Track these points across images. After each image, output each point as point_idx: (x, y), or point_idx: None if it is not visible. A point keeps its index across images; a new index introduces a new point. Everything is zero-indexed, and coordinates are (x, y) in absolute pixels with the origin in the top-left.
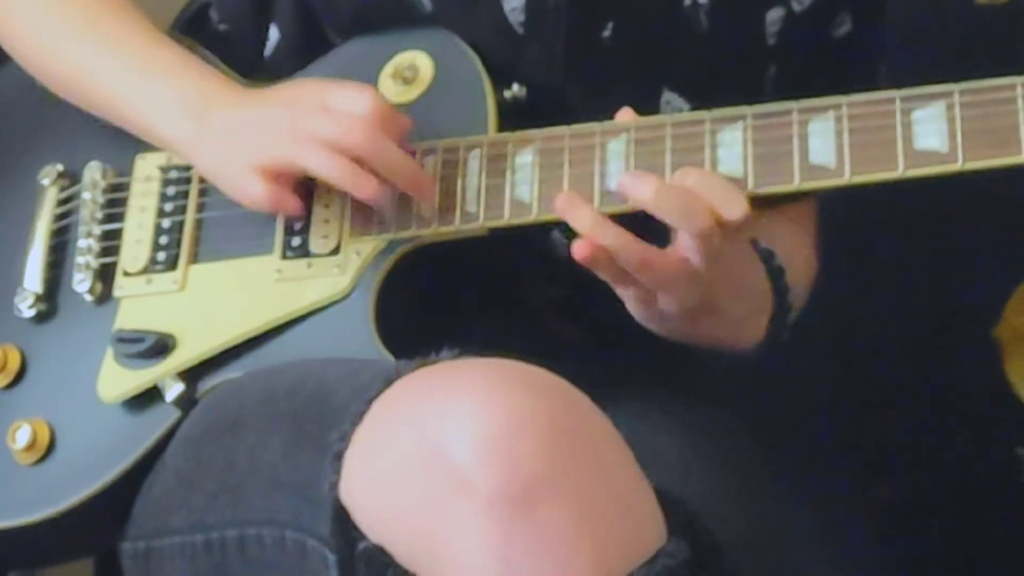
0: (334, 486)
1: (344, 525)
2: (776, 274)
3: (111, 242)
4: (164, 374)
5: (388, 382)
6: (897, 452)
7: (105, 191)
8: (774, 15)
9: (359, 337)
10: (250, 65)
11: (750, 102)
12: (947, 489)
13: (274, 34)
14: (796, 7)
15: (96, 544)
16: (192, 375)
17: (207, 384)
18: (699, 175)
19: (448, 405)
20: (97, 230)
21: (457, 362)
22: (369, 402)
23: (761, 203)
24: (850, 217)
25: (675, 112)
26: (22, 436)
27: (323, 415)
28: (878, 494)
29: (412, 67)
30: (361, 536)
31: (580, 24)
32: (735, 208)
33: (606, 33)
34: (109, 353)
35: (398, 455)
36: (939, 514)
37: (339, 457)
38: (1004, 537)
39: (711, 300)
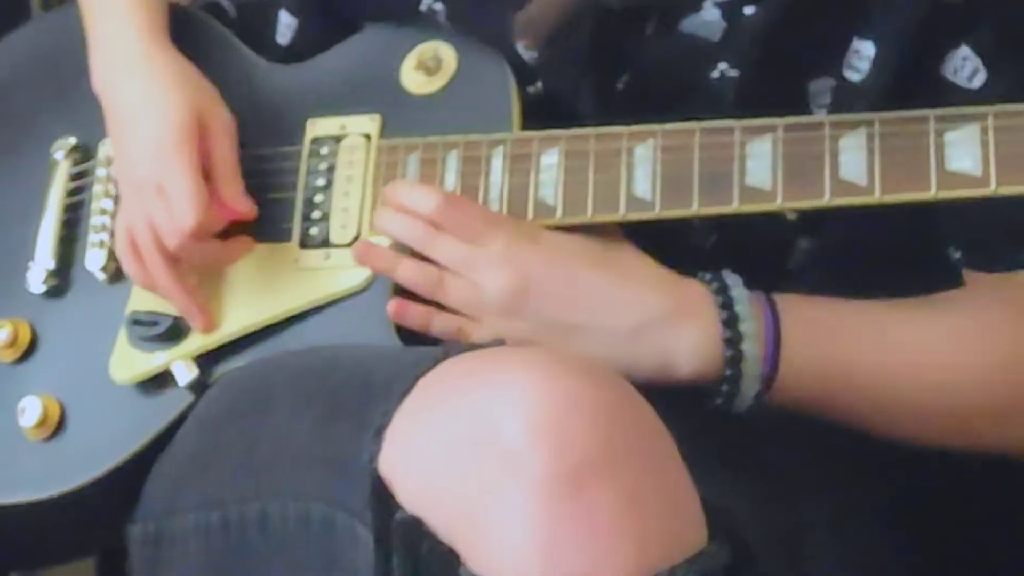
0: (373, 458)
1: (382, 496)
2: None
3: None
4: (178, 358)
5: (436, 361)
6: (897, 451)
7: None
8: (820, 85)
9: (376, 330)
10: (265, 51)
11: None
12: (947, 489)
13: (286, 19)
14: (853, 77)
15: (102, 529)
16: (206, 360)
17: (221, 370)
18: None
19: (501, 384)
20: (112, 207)
21: (508, 347)
22: (416, 379)
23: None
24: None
25: None
26: (32, 412)
27: (362, 392)
28: (878, 493)
29: (436, 58)
30: (398, 507)
31: (596, 75)
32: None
33: (620, 85)
34: (122, 334)
35: (445, 431)
36: (939, 514)
37: (380, 431)
38: (1005, 536)
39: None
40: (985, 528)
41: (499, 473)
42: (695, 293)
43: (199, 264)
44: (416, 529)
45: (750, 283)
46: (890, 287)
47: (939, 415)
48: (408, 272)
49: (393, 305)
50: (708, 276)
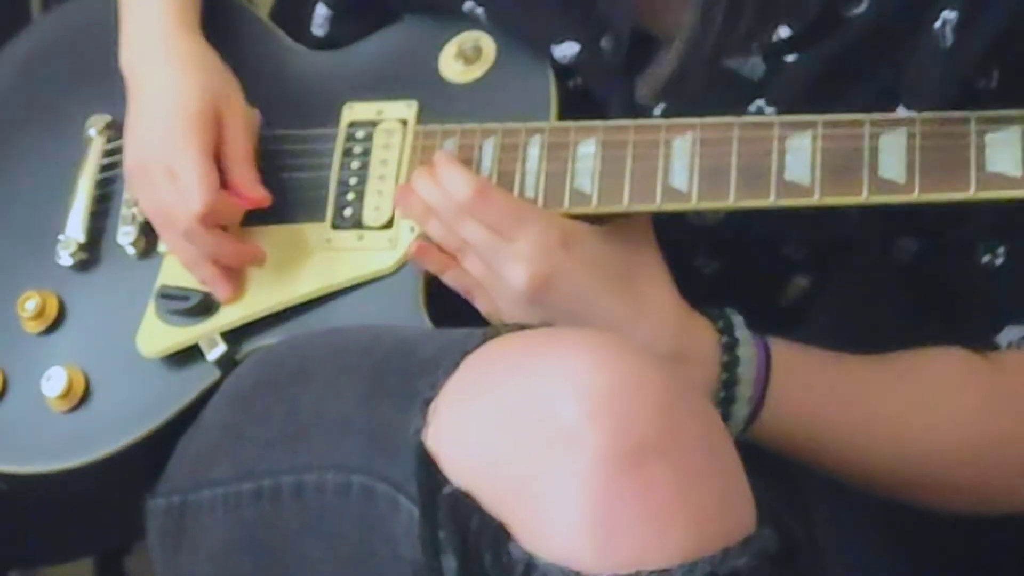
0: (420, 431)
1: (428, 470)
2: (725, 335)
3: None
4: (206, 333)
5: (485, 339)
6: None
7: None
8: None
9: (407, 313)
10: (302, 41)
11: None
12: None
13: (322, 10)
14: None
15: (119, 508)
16: (235, 336)
17: (249, 346)
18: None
19: (557, 362)
20: None
21: (561, 328)
22: (464, 355)
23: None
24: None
25: None
26: (57, 382)
27: (406, 367)
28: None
29: (475, 47)
30: (446, 481)
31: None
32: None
33: (657, 112)
34: (151, 308)
35: (497, 406)
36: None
37: (427, 404)
38: (1005, 537)
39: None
40: (986, 529)
41: (554, 450)
42: (703, 341)
43: (206, 253)
44: (464, 503)
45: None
46: (882, 337)
47: (886, 478)
48: (436, 229)
49: (416, 245)
50: (721, 323)
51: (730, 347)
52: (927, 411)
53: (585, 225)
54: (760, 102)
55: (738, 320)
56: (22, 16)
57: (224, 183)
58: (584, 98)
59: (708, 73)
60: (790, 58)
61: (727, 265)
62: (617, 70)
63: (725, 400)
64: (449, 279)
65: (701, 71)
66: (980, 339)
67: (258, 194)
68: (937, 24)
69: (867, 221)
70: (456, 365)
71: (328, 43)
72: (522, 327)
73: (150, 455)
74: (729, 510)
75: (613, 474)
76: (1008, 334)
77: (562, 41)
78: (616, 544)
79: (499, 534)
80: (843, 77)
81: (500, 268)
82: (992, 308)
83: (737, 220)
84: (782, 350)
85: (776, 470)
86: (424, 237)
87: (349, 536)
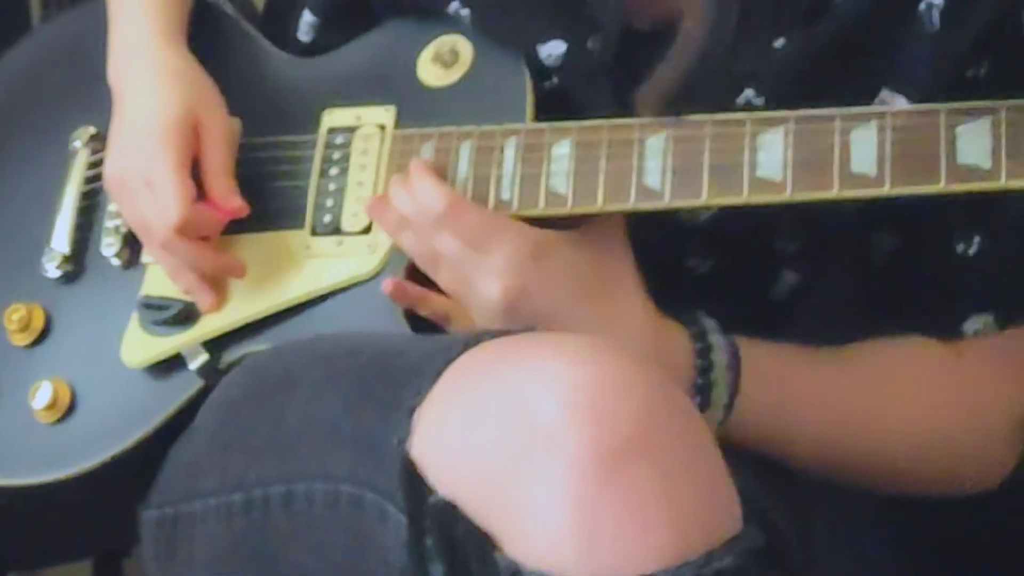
0: (404, 440)
1: (414, 479)
2: (698, 341)
3: None
4: (188, 343)
5: (467, 346)
6: None
7: None
8: None
9: (386, 318)
10: (287, 47)
11: None
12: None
13: (308, 17)
14: None
15: (108, 518)
16: (216, 345)
17: (231, 355)
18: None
19: (537, 366)
20: None
21: (541, 332)
22: (447, 362)
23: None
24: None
25: None
26: (43, 395)
27: (390, 375)
28: (881, 496)
29: (453, 51)
30: (431, 491)
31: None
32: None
33: None
34: (134, 318)
35: (479, 412)
36: (941, 519)
37: (412, 412)
38: (1006, 537)
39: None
40: (986, 532)
41: (536, 454)
42: (676, 347)
43: (186, 263)
44: (450, 512)
45: (732, 311)
46: (864, 332)
47: (860, 468)
48: (409, 241)
49: (389, 284)
50: (694, 328)
51: (704, 353)
52: (896, 401)
53: (557, 234)
54: (749, 92)
55: (711, 324)
56: (22, 24)
57: (203, 194)
58: (561, 99)
59: (718, 81)
60: (778, 43)
61: (719, 264)
62: (603, 70)
63: (700, 405)
64: (426, 309)
65: (711, 80)
66: (947, 327)
67: (235, 204)
68: (921, 7)
69: (851, 211)
70: (439, 372)
71: (314, 49)
72: (503, 333)
73: (139, 464)
74: (713, 511)
75: (594, 477)
76: (973, 323)
77: (548, 40)
78: (599, 549)
79: (484, 542)
80: (832, 65)
81: (474, 282)
82: (961, 297)
83: (728, 216)
84: (752, 351)
85: (767, 465)
86: (399, 249)
87: (340, 545)
